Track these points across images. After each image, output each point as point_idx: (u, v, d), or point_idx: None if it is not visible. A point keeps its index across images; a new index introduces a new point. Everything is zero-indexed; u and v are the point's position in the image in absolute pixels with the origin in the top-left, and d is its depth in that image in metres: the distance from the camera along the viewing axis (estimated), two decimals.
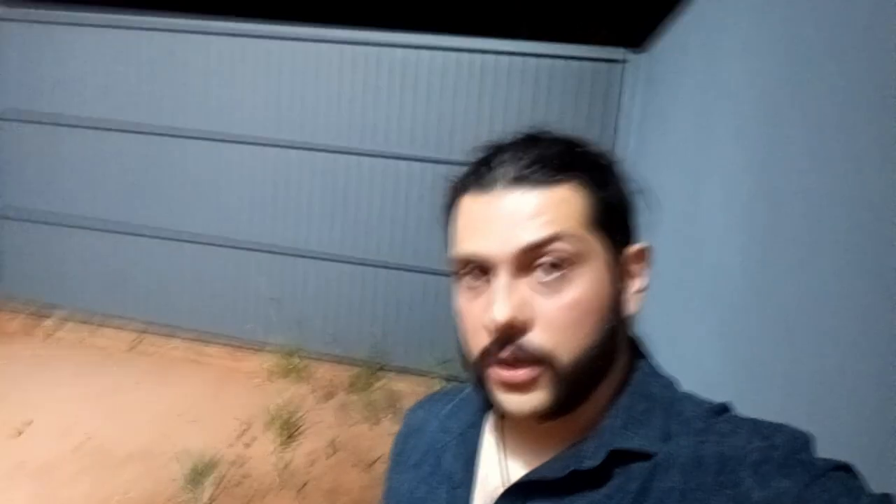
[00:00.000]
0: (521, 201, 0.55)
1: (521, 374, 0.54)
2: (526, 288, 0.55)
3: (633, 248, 0.60)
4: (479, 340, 0.57)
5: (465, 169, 0.62)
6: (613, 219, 0.58)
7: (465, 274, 0.58)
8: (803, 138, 1.40)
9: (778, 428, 0.53)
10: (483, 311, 0.56)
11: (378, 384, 4.45)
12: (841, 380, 1.13)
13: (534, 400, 0.55)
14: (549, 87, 4.41)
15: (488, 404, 0.63)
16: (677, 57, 3.01)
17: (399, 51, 4.58)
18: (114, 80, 5.01)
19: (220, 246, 4.99)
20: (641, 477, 0.54)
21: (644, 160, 3.61)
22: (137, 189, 5.08)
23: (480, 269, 0.57)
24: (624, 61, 4.25)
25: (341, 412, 4.05)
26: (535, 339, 0.54)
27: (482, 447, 0.67)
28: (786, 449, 0.50)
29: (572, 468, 0.56)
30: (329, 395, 4.31)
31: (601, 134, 4.34)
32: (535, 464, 0.60)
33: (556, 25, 4.20)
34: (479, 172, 0.59)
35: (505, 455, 0.64)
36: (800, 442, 0.52)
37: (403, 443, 0.77)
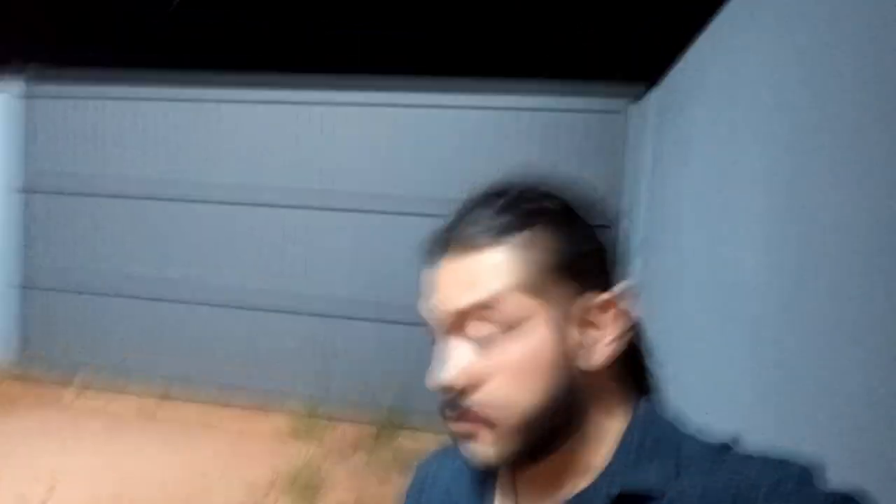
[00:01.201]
0: (456, 268, 0.58)
1: (463, 426, 0.58)
2: (466, 350, 0.57)
3: (597, 299, 0.59)
4: (438, 397, 0.60)
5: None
6: (567, 271, 0.58)
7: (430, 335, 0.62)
8: (833, 161, 1.40)
9: (785, 461, 0.53)
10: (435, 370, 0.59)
11: (400, 441, 4.43)
12: (886, 401, 1.11)
13: (480, 451, 0.58)
14: (556, 138, 4.53)
15: None
16: (693, 91, 3.01)
17: (410, 110, 4.78)
18: (136, 148, 5.25)
19: (239, 308, 5.11)
20: None
21: (662, 197, 3.63)
22: (160, 253, 5.25)
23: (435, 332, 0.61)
24: (624, 111, 4.37)
25: (364, 471, 4.03)
26: (474, 400, 0.57)
27: (496, 500, 0.68)
28: (796, 481, 0.50)
29: None
30: (352, 453, 4.29)
31: (608, 180, 4.41)
32: None
33: (563, 70, 4.32)
34: (435, 239, 0.63)
35: (518, 501, 0.65)
36: (810, 473, 0.51)
37: (416, 499, 0.78)
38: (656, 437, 0.58)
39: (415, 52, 4.32)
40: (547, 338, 0.56)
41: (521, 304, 0.56)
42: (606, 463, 0.58)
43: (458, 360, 0.57)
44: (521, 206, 0.60)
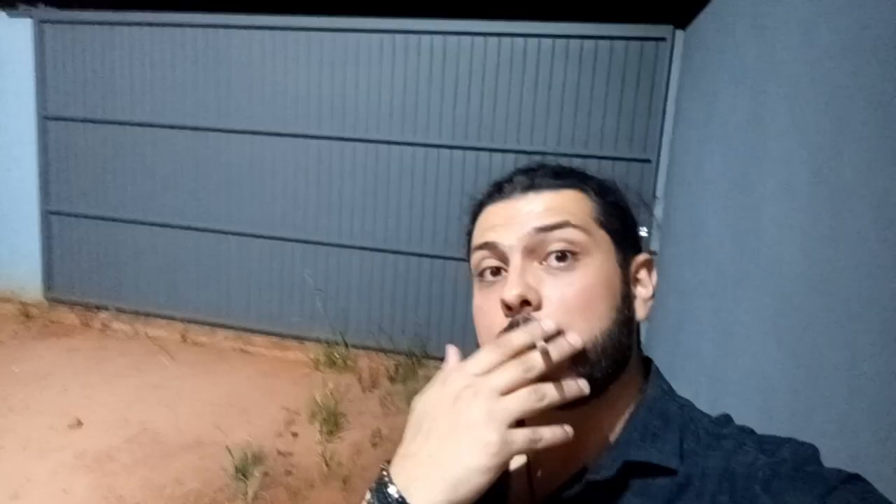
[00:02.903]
0: (533, 200, 0.61)
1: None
2: (538, 272, 0.58)
3: (640, 257, 0.64)
4: (494, 327, 0.58)
5: (484, 189, 0.69)
6: (619, 225, 0.62)
7: (482, 273, 0.63)
8: (869, 124, 1.29)
9: (782, 441, 0.54)
10: (497, 299, 0.58)
11: (421, 373, 4.46)
12: None
13: None
14: (593, 69, 4.29)
15: None
16: (723, 35, 2.86)
17: (439, 38, 4.54)
18: (158, 77, 5.12)
19: (266, 238, 5.07)
20: (664, 497, 0.54)
21: (689, 142, 3.47)
22: (183, 184, 5.20)
23: (496, 269, 0.61)
24: (669, 39, 4.10)
25: (385, 402, 4.08)
26: (547, 316, 0.55)
27: (511, 474, 0.67)
28: (793, 462, 0.50)
29: (588, 479, 0.57)
30: (373, 385, 4.34)
31: (647, 116, 4.22)
32: (559, 482, 0.61)
33: (598, 5, 4.05)
34: (497, 186, 0.66)
35: (532, 477, 0.65)
36: (807, 454, 0.52)
37: None
38: (667, 414, 0.59)
39: None
40: (615, 272, 0.60)
41: (596, 232, 0.60)
42: (617, 438, 0.59)
43: (530, 277, 0.58)
44: (580, 169, 0.67)
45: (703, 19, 3.45)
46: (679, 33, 4.08)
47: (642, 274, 0.64)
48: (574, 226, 0.58)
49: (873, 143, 1.27)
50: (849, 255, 1.33)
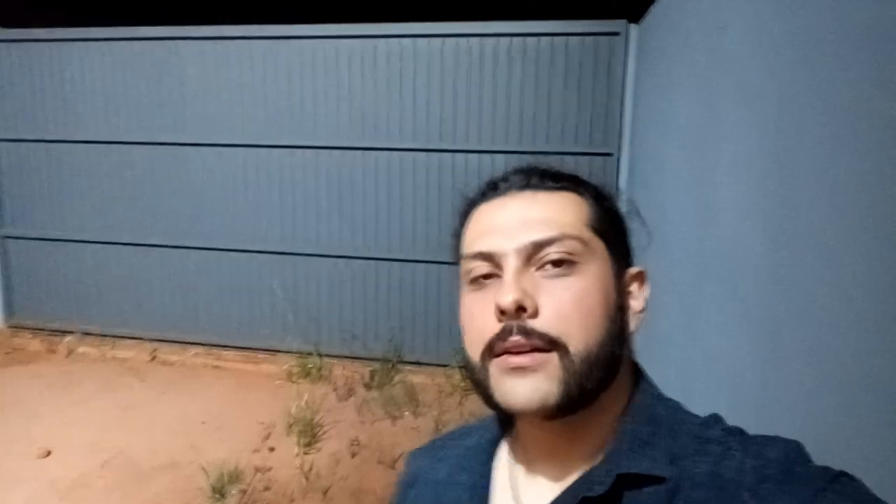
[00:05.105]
0: (529, 201, 0.60)
1: (529, 357, 0.54)
2: (534, 277, 0.57)
3: (632, 269, 0.64)
4: (485, 332, 0.57)
5: (478, 187, 0.67)
6: (613, 232, 0.62)
7: (473, 279, 0.60)
8: (819, 115, 1.33)
9: (767, 441, 0.53)
10: (490, 303, 0.56)
11: (397, 379, 4.45)
12: (871, 366, 1.08)
13: (542, 386, 0.54)
14: (550, 66, 4.33)
15: (498, 436, 0.67)
16: (675, 28, 2.92)
17: (395, 42, 4.53)
18: (111, 93, 5.01)
19: (230, 251, 5.00)
20: None
21: (648, 134, 3.53)
22: (143, 201, 5.09)
23: (487, 273, 0.59)
24: (623, 33, 4.17)
25: (362, 410, 4.05)
26: (543, 322, 0.54)
27: (495, 493, 0.65)
28: (781, 463, 0.50)
29: (582, 495, 0.54)
30: (349, 394, 4.31)
31: (606, 110, 4.27)
32: (549, 498, 0.59)
33: (552, 2, 4.10)
34: (491, 185, 0.64)
35: (518, 495, 0.63)
36: (794, 453, 0.51)
37: (404, 494, 0.74)
38: (657, 420, 0.59)
39: None
40: (610, 280, 0.59)
41: (592, 241, 0.59)
42: (606, 448, 0.58)
43: (526, 283, 0.56)
44: (576, 173, 0.65)
45: (655, 13, 3.51)
46: (633, 27, 4.15)
47: (634, 287, 0.63)
48: (571, 237, 0.57)
49: (825, 133, 1.30)
50: (806, 243, 1.37)
